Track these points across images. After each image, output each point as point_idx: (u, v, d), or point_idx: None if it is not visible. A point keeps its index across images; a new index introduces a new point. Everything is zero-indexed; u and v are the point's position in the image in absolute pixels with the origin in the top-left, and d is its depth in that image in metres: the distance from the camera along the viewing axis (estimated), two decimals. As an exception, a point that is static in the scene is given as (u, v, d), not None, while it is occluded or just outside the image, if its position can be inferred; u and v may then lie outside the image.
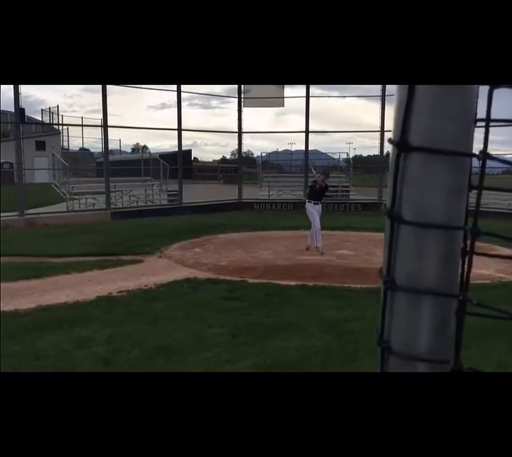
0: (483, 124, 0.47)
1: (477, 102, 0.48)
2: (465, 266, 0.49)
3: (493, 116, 0.48)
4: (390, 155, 0.49)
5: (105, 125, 15.53)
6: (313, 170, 11.49)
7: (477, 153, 0.47)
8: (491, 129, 0.49)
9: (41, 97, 69.59)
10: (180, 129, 16.87)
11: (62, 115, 19.76)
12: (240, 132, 18.54)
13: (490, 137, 0.50)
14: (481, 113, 0.48)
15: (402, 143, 0.46)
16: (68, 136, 19.51)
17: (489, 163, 0.50)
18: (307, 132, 18.00)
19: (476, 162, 0.49)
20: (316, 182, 9.47)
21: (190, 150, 35.11)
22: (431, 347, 0.50)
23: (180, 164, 17.35)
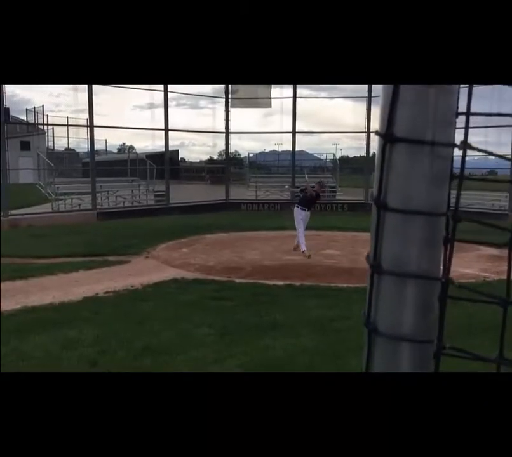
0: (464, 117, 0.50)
1: (458, 97, 0.51)
2: (447, 252, 0.52)
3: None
4: (377, 147, 0.52)
5: (91, 125, 15.40)
6: (306, 176, 11.42)
7: (458, 143, 0.50)
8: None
9: (27, 96, 68.47)
10: (166, 129, 16.80)
11: (47, 115, 19.49)
12: (227, 133, 18.55)
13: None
14: (462, 107, 0.51)
15: (388, 134, 0.49)
16: (53, 136, 19.29)
17: (475, 164, 0.53)
18: (294, 132, 18.08)
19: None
20: (305, 191, 9.06)
21: (177, 150, 34.98)
22: (415, 328, 0.53)
23: (167, 164, 17.28)
